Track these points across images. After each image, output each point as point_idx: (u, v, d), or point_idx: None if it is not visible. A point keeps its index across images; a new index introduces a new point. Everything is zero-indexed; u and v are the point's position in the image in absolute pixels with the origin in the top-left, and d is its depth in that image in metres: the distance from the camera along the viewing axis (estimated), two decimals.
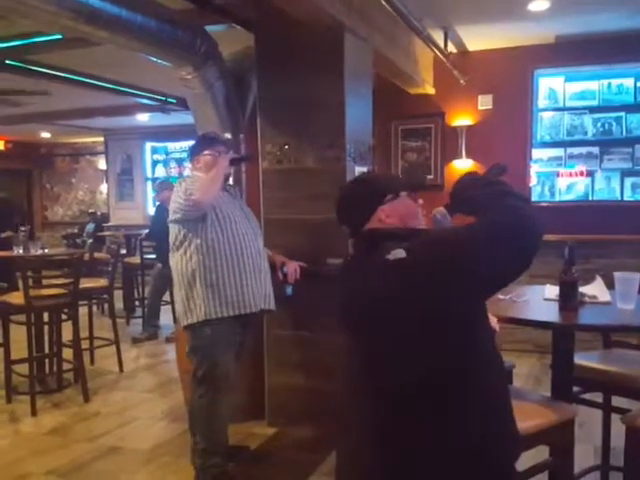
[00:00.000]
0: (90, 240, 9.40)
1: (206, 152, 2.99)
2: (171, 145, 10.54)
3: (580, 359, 2.58)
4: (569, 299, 2.20)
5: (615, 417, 2.69)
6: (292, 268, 3.27)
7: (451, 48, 5.30)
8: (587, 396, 2.84)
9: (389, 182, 1.75)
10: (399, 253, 1.51)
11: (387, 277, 1.54)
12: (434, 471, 1.52)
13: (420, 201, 1.76)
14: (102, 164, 11.54)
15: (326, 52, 3.51)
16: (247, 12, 3.62)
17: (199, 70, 3.71)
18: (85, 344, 4.84)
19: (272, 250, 3.34)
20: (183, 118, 8.29)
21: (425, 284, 1.48)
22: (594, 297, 2.37)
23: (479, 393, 1.53)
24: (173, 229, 2.94)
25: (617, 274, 2.28)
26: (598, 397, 2.82)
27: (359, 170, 3.72)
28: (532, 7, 4.50)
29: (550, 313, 2.27)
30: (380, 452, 1.58)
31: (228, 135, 3.95)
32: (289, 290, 3.31)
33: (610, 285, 2.45)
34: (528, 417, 1.93)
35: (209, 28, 3.75)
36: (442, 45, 4.91)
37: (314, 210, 3.59)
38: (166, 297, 6.41)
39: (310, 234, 3.61)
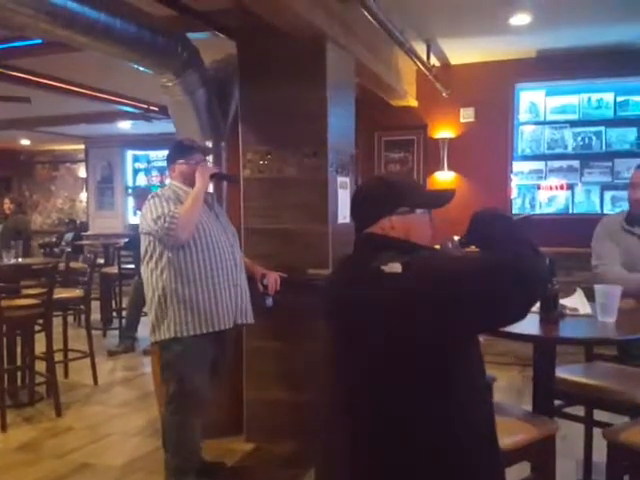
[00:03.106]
0: (68, 249, 9.27)
1: (181, 161, 2.93)
2: (153, 153, 10.45)
3: (562, 372, 2.56)
4: (550, 311, 2.17)
5: (597, 431, 2.67)
6: (272, 279, 3.20)
7: (434, 61, 5.32)
8: (569, 410, 2.82)
9: (411, 193, 1.67)
10: (395, 267, 1.48)
11: (377, 287, 1.51)
12: None
13: (434, 222, 1.70)
14: (82, 172, 11.40)
15: (308, 61, 3.48)
16: (229, 20, 3.57)
17: (180, 77, 3.66)
18: (59, 356, 4.72)
19: (252, 260, 3.29)
20: (165, 126, 8.17)
21: (413, 306, 1.45)
22: (575, 310, 2.35)
23: (455, 425, 1.49)
24: (144, 240, 2.86)
25: (598, 287, 2.26)
26: (579, 410, 2.80)
27: (341, 180, 3.70)
28: (513, 21, 4.52)
29: (531, 326, 2.24)
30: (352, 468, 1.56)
31: (208, 143, 3.89)
32: (269, 302, 3.26)
33: (591, 297, 2.43)
34: (509, 433, 1.89)
35: (191, 35, 3.70)
36: (425, 58, 4.92)
37: (296, 220, 3.54)
38: (145, 308, 6.29)
39: (291, 244, 3.55)
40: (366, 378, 1.54)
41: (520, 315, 1.50)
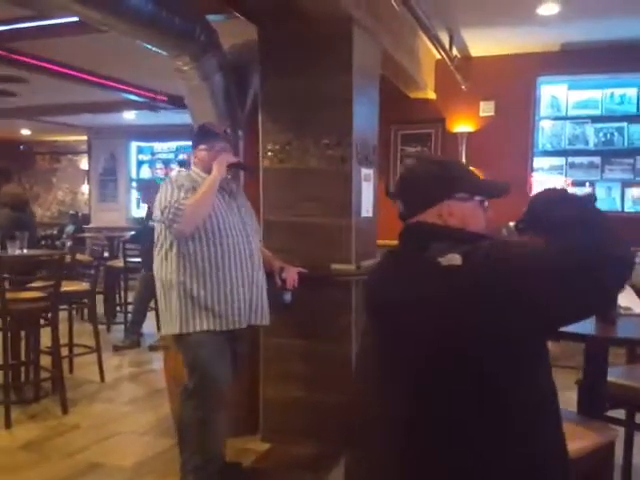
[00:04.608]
0: (69, 242, 9.10)
1: (202, 147, 2.77)
2: (158, 145, 10.26)
3: None
4: (609, 310, 2.02)
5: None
6: (291, 274, 3.02)
7: (455, 52, 5.15)
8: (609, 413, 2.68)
9: (470, 179, 1.54)
10: (454, 259, 1.32)
11: (434, 282, 1.35)
12: None
13: (489, 213, 1.55)
14: (84, 164, 11.22)
15: (334, 46, 3.31)
16: (251, 2, 3.41)
17: (197, 61, 3.50)
18: (64, 351, 4.54)
19: (272, 254, 3.12)
20: (172, 117, 8.07)
21: (477, 302, 1.29)
22: (628, 309, 2.20)
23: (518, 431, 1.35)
24: (156, 228, 2.74)
25: None
26: (618, 414, 2.66)
27: (365, 172, 3.53)
28: (541, 11, 4.37)
29: (585, 325, 2.08)
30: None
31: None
32: (287, 297, 3.07)
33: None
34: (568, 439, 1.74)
35: (210, 18, 3.54)
36: (447, 47, 4.76)
37: (317, 213, 3.38)
38: (152, 303, 6.14)
39: (313, 238, 3.39)
40: (421, 381, 1.38)
41: (599, 309, 1.34)
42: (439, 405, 1.38)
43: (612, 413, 2.69)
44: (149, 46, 3.33)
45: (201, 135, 2.82)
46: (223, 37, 3.68)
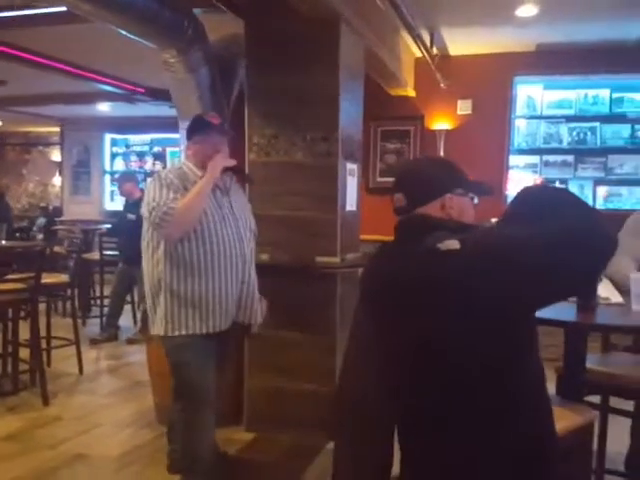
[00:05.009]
0: (41, 235, 8.97)
1: (197, 138, 2.62)
2: (132, 137, 10.16)
3: None
4: (589, 299, 2.12)
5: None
6: (264, 305, 2.84)
7: (434, 52, 5.24)
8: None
9: (465, 177, 1.66)
10: (452, 244, 1.41)
11: (435, 266, 1.43)
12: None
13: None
14: (56, 155, 11.05)
15: (321, 42, 3.37)
16: None
17: (184, 54, 3.51)
18: (42, 344, 4.50)
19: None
20: (148, 110, 8.02)
21: (477, 281, 1.37)
22: (607, 299, 2.31)
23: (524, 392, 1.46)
24: (144, 224, 2.60)
25: (633, 275, 2.25)
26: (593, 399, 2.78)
27: (350, 167, 3.59)
28: (519, 12, 4.47)
29: (568, 313, 2.18)
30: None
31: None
32: (254, 329, 2.86)
33: None
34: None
35: (197, 11, 3.56)
36: (428, 46, 4.84)
37: (303, 206, 3.44)
38: (128, 297, 6.12)
39: (298, 231, 3.44)
40: (431, 361, 1.46)
41: (588, 281, 1.43)
42: (439, 385, 1.45)
43: (588, 399, 2.81)
44: (137, 38, 3.33)
45: (196, 127, 2.65)
46: (210, 31, 3.70)
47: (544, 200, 1.49)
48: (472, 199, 1.66)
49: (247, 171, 3.49)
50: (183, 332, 2.52)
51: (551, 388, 2.47)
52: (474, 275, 1.37)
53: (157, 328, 2.58)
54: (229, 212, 2.63)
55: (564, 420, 1.89)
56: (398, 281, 1.52)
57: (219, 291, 2.55)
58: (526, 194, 1.59)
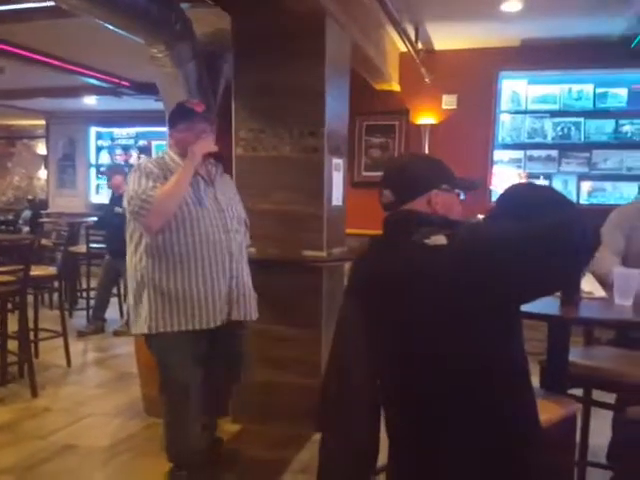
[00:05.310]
0: (26, 228, 8.94)
1: (180, 127, 2.52)
2: (117, 131, 10.13)
3: None
4: (572, 294, 2.18)
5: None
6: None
7: (419, 46, 5.28)
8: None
9: (451, 173, 1.71)
10: (440, 239, 1.47)
11: (422, 261, 1.50)
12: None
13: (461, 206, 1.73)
14: (41, 148, 10.99)
15: (307, 37, 3.41)
16: None
17: (171, 49, 3.51)
18: (30, 336, 4.51)
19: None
20: (133, 103, 7.99)
21: (462, 276, 1.43)
22: (590, 293, 2.36)
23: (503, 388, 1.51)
24: (128, 217, 2.53)
25: (616, 270, 2.29)
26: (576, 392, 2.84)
27: (336, 162, 3.64)
28: (504, 7, 4.53)
29: (551, 307, 2.24)
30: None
31: None
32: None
33: None
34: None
35: (184, 6, 3.57)
36: (413, 40, 4.89)
37: (290, 200, 3.48)
38: (114, 289, 6.13)
39: (285, 225, 3.49)
40: (420, 351, 1.52)
41: (570, 280, 1.49)
42: (425, 374, 1.51)
43: (571, 392, 2.87)
44: (125, 33, 3.33)
45: (179, 114, 2.55)
46: (197, 25, 3.71)
47: (530, 199, 1.56)
48: (458, 195, 1.71)
49: (234, 166, 3.54)
50: (168, 329, 2.43)
51: (535, 381, 2.56)
52: (460, 270, 1.43)
53: (140, 327, 2.50)
54: (213, 203, 2.53)
55: (547, 412, 1.94)
56: (386, 275, 1.57)
57: (204, 286, 2.45)
58: (512, 192, 1.66)
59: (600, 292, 2.39)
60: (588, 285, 2.43)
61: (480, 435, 1.48)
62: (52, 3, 3.06)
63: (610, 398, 2.76)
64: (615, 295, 2.27)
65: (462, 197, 1.73)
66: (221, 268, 2.49)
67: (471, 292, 1.42)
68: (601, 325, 2.94)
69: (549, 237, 1.40)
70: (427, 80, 5.52)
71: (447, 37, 5.37)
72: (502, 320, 1.49)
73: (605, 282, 2.54)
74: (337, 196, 3.67)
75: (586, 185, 5.68)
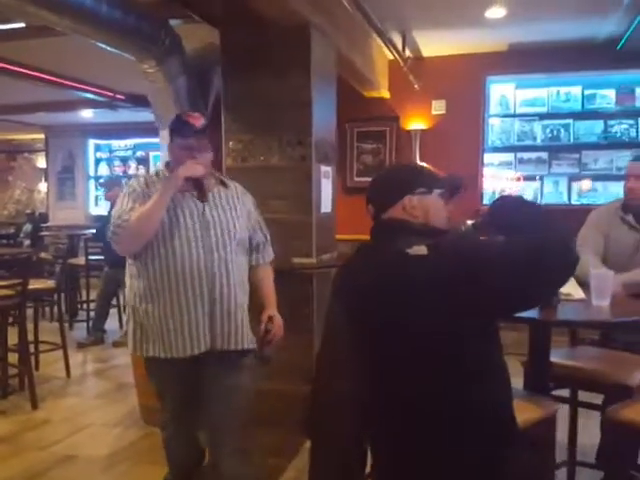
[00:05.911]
0: (27, 241, 9.01)
1: (175, 141, 2.28)
2: (115, 143, 10.23)
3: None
4: (551, 297, 2.22)
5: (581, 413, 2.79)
6: (277, 326, 2.54)
7: (407, 54, 5.36)
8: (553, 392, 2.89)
9: (428, 176, 1.73)
10: (420, 250, 1.51)
11: (403, 271, 1.54)
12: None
13: (449, 206, 1.73)
14: (41, 162, 11.08)
15: (293, 50, 3.49)
16: (213, 7, 3.54)
17: (162, 64, 3.62)
18: (30, 348, 4.58)
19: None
20: (130, 115, 8.08)
21: (443, 287, 1.48)
22: (569, 295, 2.40)
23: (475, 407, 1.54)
24: None
25: (593, 271, 2.33)
26: (563, 392, 2.88)
27: (324, 170, 3.71)
28: (489, 14, 4.60)
29: (530, 310, 2.29)
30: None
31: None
32: (267, 351, 2.53)
33: None
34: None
35: (173, 22, 3.66)
36: (400, 49, 4.96)
37: (280, 209, 3.54)
38: (114, 301, 6.20)
39: (275, 233, 3.52)
40: (401, 363, 1.56)
41: (542, 299, 1.55)
42: (405, 378, 1.56)
43: (557, 393, 2.90)
44: (116, 51, 3.42)
45: (174, 127, 2.31)
46: (187, 41, 3.80)
47: (516, 214, 1.63)
48: (441, 195, 1.70)
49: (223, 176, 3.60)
50: (144, 354, 2.32)
51: (519, 382, 2.60)
52: (438, 282, 1.48)
53: (129, 345, 2.40)
54: (199, 219, 2.26)
55: (527, 412, 1.98)
56: (365, 281, 1.63)
57: (179, 312, 2.22)
58: (500, 205, 1.72)
59: (579, 294, 2.42)
60: (567, 287, 2.47)
61: (460, 436, 1.53)
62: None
63: (599, 399, 2.77)
64: (592, 296, 2.31)
65: (453, 195, 1.73)
66: (199, 292, 2.22)
67: (446, 304, 1.47)
68: (579, 326, 2.97)
69: (531, 259, 1.46)
70: (416, 86, 5.58)
71: (435, 44, 5.44)
72: (480, 328, 1.53)
73: (585, 283, 2.58)
74: (326, 203, 3.74)
75: (577, 185, 5.74)
